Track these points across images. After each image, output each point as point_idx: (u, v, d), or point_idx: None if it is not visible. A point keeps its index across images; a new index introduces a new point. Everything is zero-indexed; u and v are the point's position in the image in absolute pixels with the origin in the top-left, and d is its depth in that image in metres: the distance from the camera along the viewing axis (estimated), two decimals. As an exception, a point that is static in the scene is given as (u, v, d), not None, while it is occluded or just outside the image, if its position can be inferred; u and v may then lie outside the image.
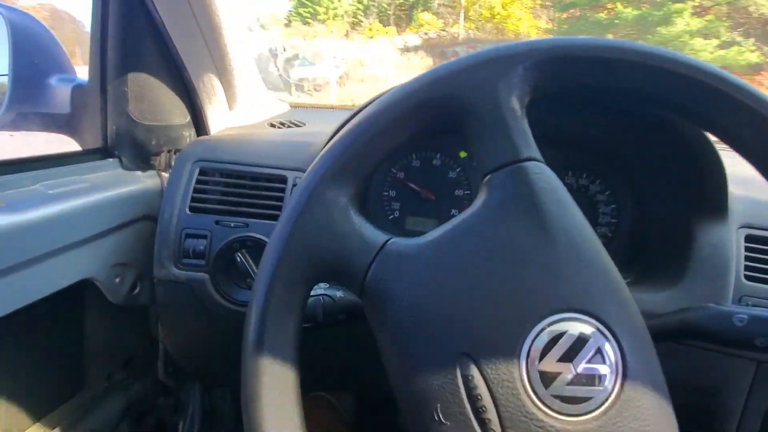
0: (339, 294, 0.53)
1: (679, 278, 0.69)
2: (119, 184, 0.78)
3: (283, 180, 0.77)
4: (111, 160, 0.82)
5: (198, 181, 0.76)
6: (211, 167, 0.77)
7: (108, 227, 0.75)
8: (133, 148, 0.82)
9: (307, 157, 0.78)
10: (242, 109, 0.94)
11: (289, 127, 0.97)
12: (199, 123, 0.88)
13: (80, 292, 0.77)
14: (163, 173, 0.87)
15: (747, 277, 0.67)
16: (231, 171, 0.77)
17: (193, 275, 0.75)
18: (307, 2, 24.88)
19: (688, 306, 0.56)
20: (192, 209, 0.76)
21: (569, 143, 0.86)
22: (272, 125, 0.97)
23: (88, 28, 0.74)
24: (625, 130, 0.73)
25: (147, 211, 0.82)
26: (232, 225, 0.75)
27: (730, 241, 0.68)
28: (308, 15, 24.72)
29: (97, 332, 0.84)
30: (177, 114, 0.86)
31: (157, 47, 0.74)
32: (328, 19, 24.68)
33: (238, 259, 0.76)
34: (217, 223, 0.75)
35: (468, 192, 0.89)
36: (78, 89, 0.81)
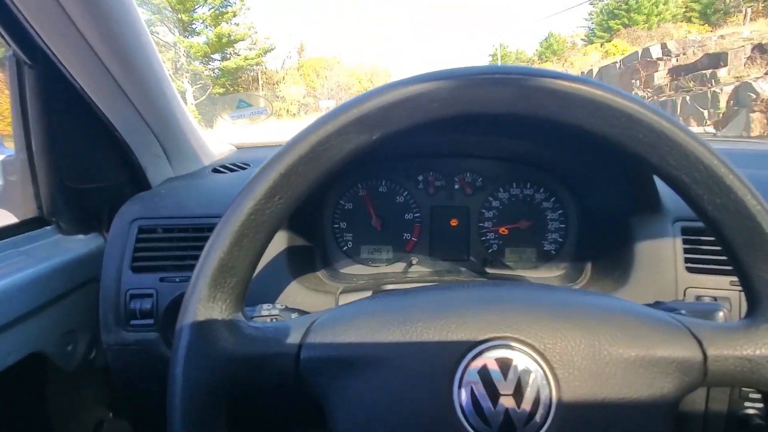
0: (293, 315, 0.53)
1: (626, 277, 0.70)
2: (59, 252, 0.76)
3: None
4: (48, 228, 0.80)
5: (138, 240, 0.75)
6: (151, 224, 0.76)
7: (53, 296, 0.72)
8: (70, 213, 0.80)
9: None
10: (183, 158, 0.93)
11: (233, 170, 0.96)
12: (138, 178, 0.86)
13: (34, 363, 0.74)
14: (107, 233, 0.85)
15: (688, 269, 0.68)
16: (172, 225, 0.76)
17: (143, 336, 0.74)
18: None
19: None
20: (134, 269, 0.74)
21: (510, 158, 0.87)
22: (216, 170, 0.96)
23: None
24: (559, 143, 0.75)
25: (92, 274, 0.80)
26: (177, 280, 0.73)
27: (668, 235, 0.70)
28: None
29: (60, 401, 0.81)
30: (114, 173, 0.85)
31: (82, 111, 0.73)
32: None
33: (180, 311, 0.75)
34: (161, 279, 0.74)
35: (417, 215, 0.90)
36: (7, 162, 0.79)
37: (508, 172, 0.88)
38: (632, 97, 0.38)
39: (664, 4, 23.42)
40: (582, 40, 32.20)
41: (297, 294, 0.72)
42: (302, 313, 0.55)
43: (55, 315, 0.73)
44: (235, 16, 24.66)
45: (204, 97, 21.44)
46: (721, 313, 0.49)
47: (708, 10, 21.90)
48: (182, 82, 20.93)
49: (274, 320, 0.52)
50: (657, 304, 0.54)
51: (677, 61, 10.12)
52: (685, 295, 0.68)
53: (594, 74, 11.63)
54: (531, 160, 0.86)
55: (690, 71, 9.10)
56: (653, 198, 0.70)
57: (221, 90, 25.76)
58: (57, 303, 0.73)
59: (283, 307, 0.54)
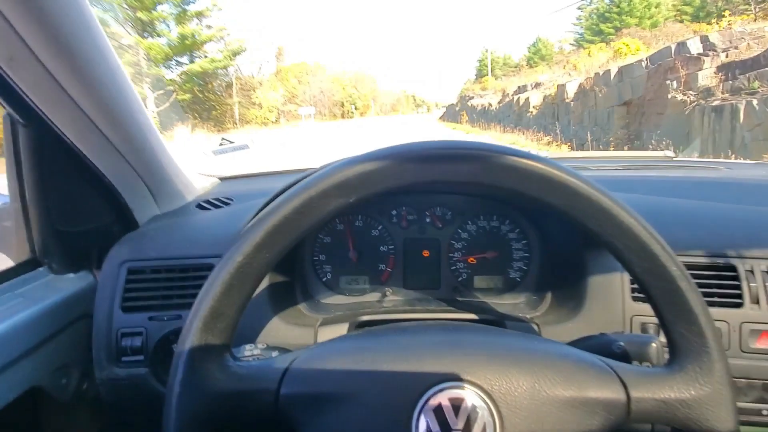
0: (274, 353, 0.59)
1: (580, 307, 0.78)
2: (52, 292, 0.80)
3: (210, 267, 0.81)
4: (41, 269, 0.84)
5: (128, 281, 0.80)
6: (139, 266, 0.81)
7: (47, 334, 0.77)
8: (62, 254, 0.84)
9: (231, 240, 0.83)
10: (168, 196, 0.98)
11: (217, 206, 1.01)
12: (126, 218, 0.91)
13: (32, 397, 0.79)
14: (96, 270, 0.90)
15: (633, 299, 0.76)
16: (159, 267, 0.81)
17: (134, 371, 0.78)
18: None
19: (587, 333, 0.64)
20: (124, 309, 0.79)
21: (477, 194, 0.94)
22: (200, 206, 1.01)
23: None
24: None
25: (83, 310, 0.84)
26: (165, 318, 0.78)
27: (616, 267, 0.77)
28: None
29: (57, 431, 0.85)
30: (102, 215, 0.89)
31: (71, 161, 0.77)
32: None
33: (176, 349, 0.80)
34: (150, 318, 0.78)
35: (392, 247, 0.96)
36: (2, 209, 0.83)
37: (475, 205, 0.95)
38: (579, 175, 0.45)
39: (655, 7, 23.32)
40: (571, 44, 31.55)
41: (278, 329, 0.77)
42: (282, 349, 0.61)
43: (50, 351, 0.78)
44: (202, 16, 23.31)
45: (167, 104, 20.33)
46: (653, 345, 0.57)
47: (700, 13, 21.56)
48: (142, 88, 19.20)
49: (257, 359, 0.58)
50: (601, 336, 0.61)
51: (727, 56, 7.80)
52: (631, 322, 0.75)
53: (613, 75, 9.30)
54: (496, 197, 0.93)
55: (749, 68, 6.91)
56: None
57: (187, 96, 24.54)
58: (52, 340, 0.78)
59: (265, 346, 0.60)
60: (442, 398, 0.44)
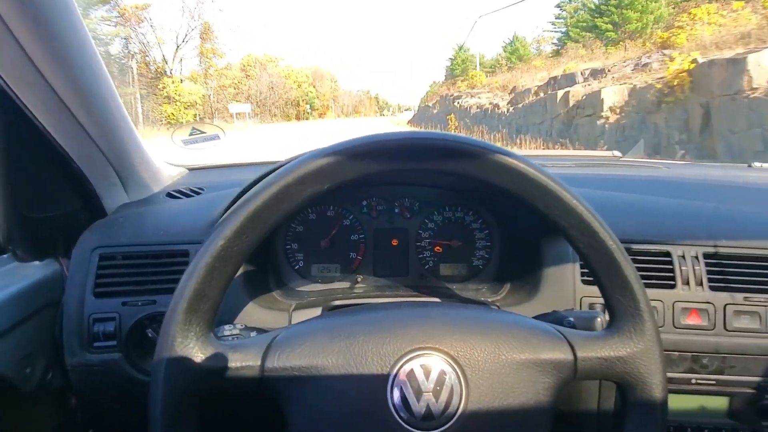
0: (252, 333, 0.61)
1: (536, 290, 0.84)
2: (16, 279, 0.79)
3: (185, 253, 0.82)
4: (5, 256, 0.82)
5: (99, 267, 0.80)
6: (112, 252, 0.81)
7: (11, 323, 0.75)
8: (26, 241, 0.82)
9: (205, 228, 0.84)
10: (137, 184, 0.98)
11: (188, 195, 1.01)
12: (94, 205, 0.90)
13: None
14: (63, 258, 0.88)
15: (583, 281, 0.83)
16: (132, 252, 0.81)
17: (106, 356, 0.78)
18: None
19: (543, 312, 0.71)
20: (97, 294, 0.79)
21: (443, 186, 1.00)
22: (171, 195, 1.01)
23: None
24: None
25: (49, 299, 0.83)
26: (139, 303, 0.79)
27: (567, 254, 0.85)
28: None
29: (19, 421, 0.83)
30: (70, 201, 0.88)
31: (39, 144, 0.76)
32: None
33: (150, 334, 0.80)
34: (123, 303, 0.79)
35: (362, 236, 1.00)
36: None
37: (441, 197, 1.01)
38: (528, 161, 0.51)
39: (655, 2, 20.24)
40: (554, 44, 28.11)
41: (254, 312, 0.79)
42: (260, 330, 0.63)
43: (14, 340, 0.76)
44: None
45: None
46: (598, 319, 0.64)
47: None
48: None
49: (237, 338, 0.60)
50: (554, 313, 0.67)
51: None
52: (581, 303, 0.83)
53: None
54: (460, 189, 0.99)
55: None
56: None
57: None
58: (16, 329, 0.76)
59: (243, 326, 0.63)
60: (414, 365, 0.48)
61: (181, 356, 0.47)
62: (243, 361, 0.49)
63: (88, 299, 0.78)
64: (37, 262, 0.85)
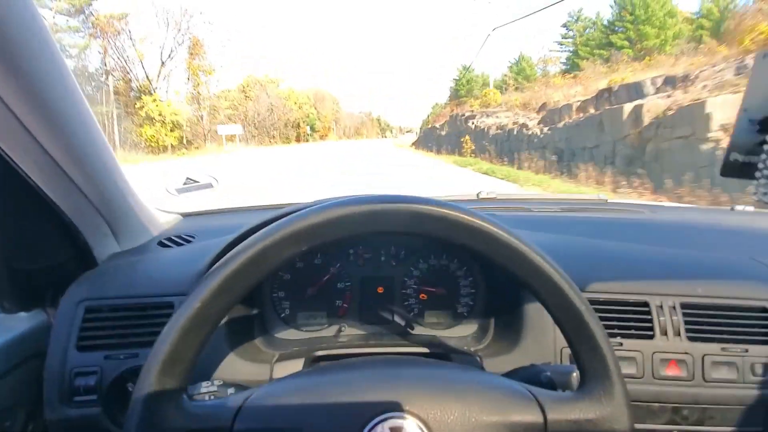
0: (230, 390, 0.62)
1: (518, 340, 0.85)
2: (1, 331, 0.79)
3: (170, 306, 0.83)
4: None
5: (85, 320, 0.81)
6: (97, 305, 0.82)
7: None
8: (14, 293, 0.83)
9: (192, 279, 0.86)
10: (129, 233, 0.99)
11: (179, 244, 1.03)
12: (84, 256, 0.91)
13: None
14: (51, 308, 0.89)
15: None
16: (118, 305, 0.82)
17: (86, 411, 0.78)
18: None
19: (524, 363, 0.72)
20: (80, 348, 0.79)
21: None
22: (162, 243, 1.03)
23: None
24: None
25: (33, 350, 0.83)
26: (122, 357, 0.79)
27: None
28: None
29: None
30: (59, 252, 0.89)
31: (25, 194, 0.76)
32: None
33: (130, 388, 0.80)
34: (106, 357, 0.79)
35: (348, 284, 1.01)
36: None
37: (426, 246, 1.03)
38: (498, 223, 0.53)
39: (671, 18, 19.72)
40: (562, 63, 27.75)
41: (234, 365, 0.80)
42: (239, 386, 0.64)
43: None
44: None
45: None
46: (574, 374, 0.65)
47: (720, 27, 17.58)
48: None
49: (212, 397, 0.61)
50: (531, 367, 0.68)
51: None
52: (561, 353, 0.84)
53: None
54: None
55: None
56: None
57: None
58: None
59: (221, 383, 0.64)
60: (384, 428, 0.49)
61: (152, 420, 0.48)
62: (214, 424, 0.50)
63: (71, 353, 0.78)
64: (23, 313, 0.86)
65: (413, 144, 38.65)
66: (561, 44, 29.43)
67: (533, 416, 0.51)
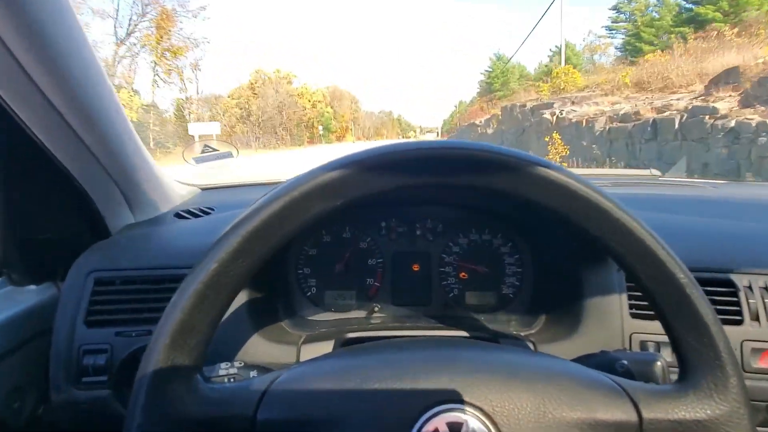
0: (252, 373, 0.54)
1: (577, 324, 0.74)
2: (8, 306, 0.73)
3: None
4: None
5: (94, 293, 0.74)
6: (109, 276, 0.75)
7: (0, 352, 0.70)
8: (23, 264, 0.78)
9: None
10: (144, 203, 0.92)
11: (197, 215, 0.96)
12: (98, 226, 0.85)
13: None
14: (61, 282, 0.83)
15: (632, 315, 0.73)
16: (131, 277, 0.75)
17: (95, 394, 0.71)
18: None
19: (585, 353, 0.61)
20: (89, 323, 0.72)
21: (469, 206, 0.91)
22: (179, 215, 0.96)
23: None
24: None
25: (42, 326, 0.77)
26: (134, 334, 0.72)
27: (613, 283, 0.74)
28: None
29: None
30: (72, 222, 0.83)
31: (37, 159, 0.71)
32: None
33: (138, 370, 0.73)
34: (117, 334, 0.72)
35: (381, 261, 0.92)
36: None
37: (466, 218, 0.92)
38: (580, 178, 0.42)
39: None
40: (617, 49, 22.72)
41: (258, 347, 0.72)
42: (262, 369, 0.55)
43: (3, 371, 0.70)
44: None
45: None
46: (658, 363, 0.53)
47: None
48: None
49: (233, 380, 0.53)
50: (602, 354, 0.57)
51: None
52: (630, 340, 0.72)
53: None
54: (488, 210, 0.90)
55: None
56: (598, 250, 0.75)
57: None
58: (5, 358, 0.71)
59: (242, 364, 0.55)
60: (439, 423, 0.39)
61: (159, 403, 0.40)
62: (233, 411, 0.41)
63: (79, 328, 0.72)
64: (33, 287, 0.80)
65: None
66: (611, 29, 24.72)
67: (625, 414, 0.40)
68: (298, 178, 0.42)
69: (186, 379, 0.41)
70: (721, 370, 0.40)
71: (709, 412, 0.40)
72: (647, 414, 0.40)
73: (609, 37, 25.50)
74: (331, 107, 53.72)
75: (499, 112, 17.76)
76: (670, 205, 1.03)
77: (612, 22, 24.66)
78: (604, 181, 1.28)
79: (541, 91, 16.21)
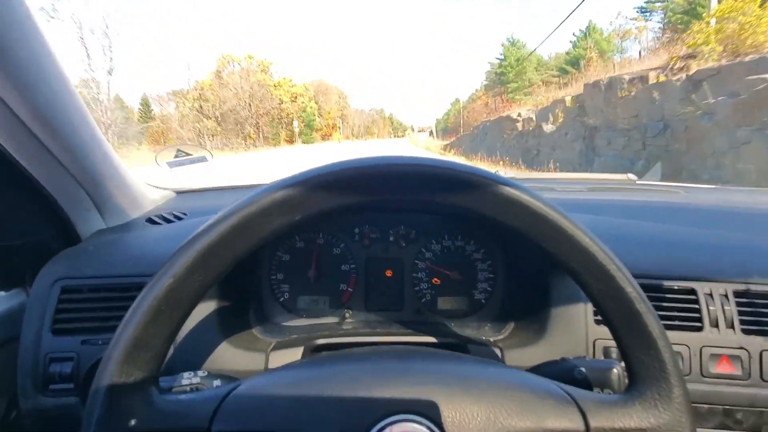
0: (216, 382, 0.53)
1: (544, 330, 0.75)
2: None
3: None
4: None
5: (60, 301, 0.73)
6: (75, 284, 0.74)
7: None
8: None
9: None
10: (115, 209, 0.92)
11: (169, 221, 0.95)
12: (67, 232, 0.84)
13: None
14: (30, 288, 0.82)
15: (596, 321, 0.74)
16: (97, 285, 0.74)
17: (63, 401, 0.71)
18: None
19: (550, 358, 0.62)
20: (55, 331, 0.72)
21: (444, 213, 0.92)
22: (151, 220, 0.95)
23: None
24: None
25: (11, 332, 0.76)
26: (100, 342, 0.72)
27: (578, 291, 0.75)
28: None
29: None
30: (40, 228, 0.82)
31: (4, 171, 0.71)
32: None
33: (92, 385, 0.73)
34: (83, 342, 0.72)
35: (353, 266, 0.92)
36: None
37: (440, 225, 0.93)
38: (537, 195, 0.43)
39: None
40: (654, 32, 18.65)
41: (226, 354, 0.72)
42: (226, 378, 0.56)
43: None
44: None
45: None
46: (615, 370, 0.55)
47: None
48: None
49: (195, 389, 0.52)
50: (563, 361, 0.58)
51: None
52: (594, 346, 0.73)
53: None
54: (462, 216, 0.91)
55: None
56: None
57: None
58: None
59: (205, 374, 0.55)
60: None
61: (113, 417, 0.40)
62: (187, 423, 0.41)
63: (46, 336, 0.71)
64: (2, 293, 0.79)
65: (447, 146, 27.78)
66: (644, 9, 21.21)
67: (572, 423, 0.41)
68: (257, 192, 0.43)
69: (141, 392, 0.41)
70: (666, 382, 0.42)
71: (652, 420, 0.41)
72: (594, 422, 0.41)
73: (645, 19, 21.08)
74: (316, 102, 47.18)
75: (568, 99, 10.64)
76: (644, 211, 1.04)
77: (646, 2, 21.24)
78: (580, 186, 1.30)
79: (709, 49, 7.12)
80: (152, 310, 0.41)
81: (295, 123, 40.38)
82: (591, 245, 0.43)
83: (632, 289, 0.42)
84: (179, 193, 1.15)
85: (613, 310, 0.43)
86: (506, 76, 28.90)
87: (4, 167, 0.71)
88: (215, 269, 0.42)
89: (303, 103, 42.35)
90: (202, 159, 1.05)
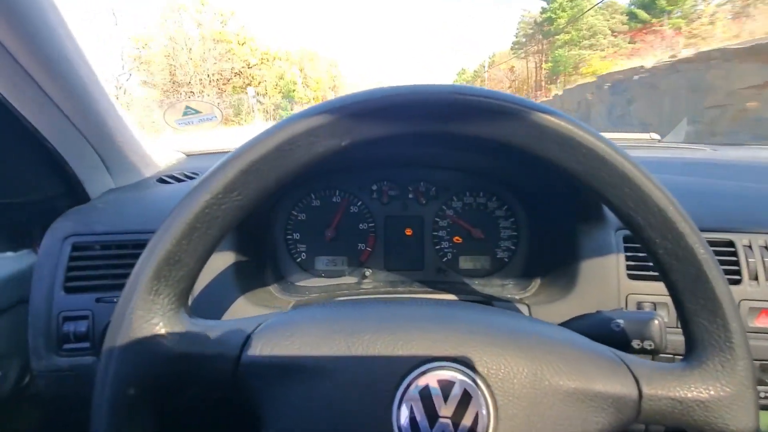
0: None
1: (573, 285, 0.72)
2: None
3: None
4: None
5: (72, 258, 0.71)
6: (86, 241, 0.71)
7: None
8: None
9: None
10: (124, 168, 0.88)
11: (181, 180, 0.92)
12: (76, 191, 0.81)
13: None
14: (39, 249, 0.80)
15: (629, 276, 0.71)
16: (109, 242, 0.72)
17: (78, 360, 0.69)
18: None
19: (580, 313, 0.59)
20: (67, 289, 0.70)
21: (463, 168, 0.88)
22: (162, 180, 0.92)
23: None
24: (511, 159, 0.76)
25: (22, 294, 0.74)
26: (115, 300, 0.69)
27: (610, 244, 0.72)
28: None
29: None
30: (48, 186, 0.79)
31: (7, 122, 0.68)
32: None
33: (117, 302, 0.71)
34: (98, 300, 0.70)
35: (372, 224, 0.89)
36: None
37: (461, 181, 0.89)
38: (601, 137, 0.39)
39: None
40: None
41: (244, 310, 0.69)
42: None
43: None
44: None
45: None
46: (655, 321, 0.52)
47: None
48: None
49: None
50: (598, 313, 0.55)
51: None
52: (626, 301, 0.71)
53: None
54: (483, 171, 0.87)
55: None
56: (596, 209, 0.72)
57: None
58: None
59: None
60: (430, 379, 0.37)
61: (140, 337, 0.37)
62: (217, 348, 0.39)
63: (58, 294, 0.69)
64: (10, 253, 0.77)
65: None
66: None
67: (624, 387, 0.38)
68: (304, 111, 0.39)
69: (170, 312, 0.39)
70: (731, 352, 0.38)
71: (712, 392, 0.38)
72: (647, 390, 0.38)
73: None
74: (301, 69, 37.09)
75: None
76: (670, 168, 1.00)
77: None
78: None
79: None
80: (187, 226, 0.38)
81: (251, 91, 26.69)
82: (661, 198, 0.38)
83: (704, 251, 0.38)
84: (190, 155, 1.12)
85: (678, 272, 0.39)
86: (556, 24, 19.45)
87: (9, 121, 0.68)
88: (254, 190, 0.39)
89: (281, 68, 33.56)
90: (212, 117, 1.01)
